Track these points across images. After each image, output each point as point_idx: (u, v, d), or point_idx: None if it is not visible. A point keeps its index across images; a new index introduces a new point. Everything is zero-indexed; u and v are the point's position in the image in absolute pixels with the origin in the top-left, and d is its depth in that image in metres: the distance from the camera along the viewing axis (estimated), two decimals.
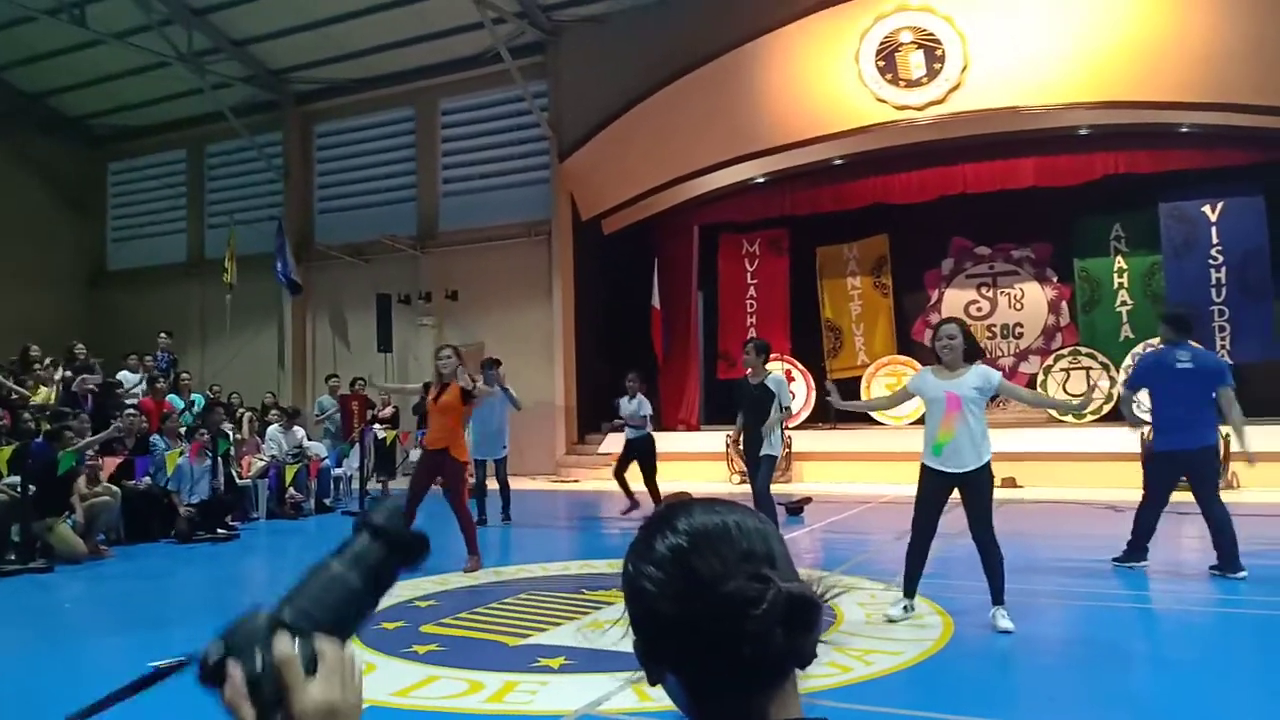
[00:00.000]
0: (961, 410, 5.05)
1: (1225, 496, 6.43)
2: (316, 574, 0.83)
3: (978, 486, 5.07)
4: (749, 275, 16.45)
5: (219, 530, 9.25)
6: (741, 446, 7.95)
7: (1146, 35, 12.23)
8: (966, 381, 5.11)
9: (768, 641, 0.86)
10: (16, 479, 8.03)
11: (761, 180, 15.27)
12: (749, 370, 7.72)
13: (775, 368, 14.98)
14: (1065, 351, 14.00)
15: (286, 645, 0.78)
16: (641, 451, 10.03)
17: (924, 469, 5.21)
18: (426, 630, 5.31)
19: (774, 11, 13.96)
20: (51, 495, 8.00)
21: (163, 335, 13.50)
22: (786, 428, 14.02)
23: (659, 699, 3.47)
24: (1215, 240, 13.16)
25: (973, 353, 5.22)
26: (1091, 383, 6.62)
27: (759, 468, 7.48)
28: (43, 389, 10.12)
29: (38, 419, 8.78)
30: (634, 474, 9.99)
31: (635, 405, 10.23)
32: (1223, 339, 12.98)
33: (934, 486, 5.17)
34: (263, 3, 16.16)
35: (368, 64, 17.24)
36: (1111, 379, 13.07)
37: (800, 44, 13.97)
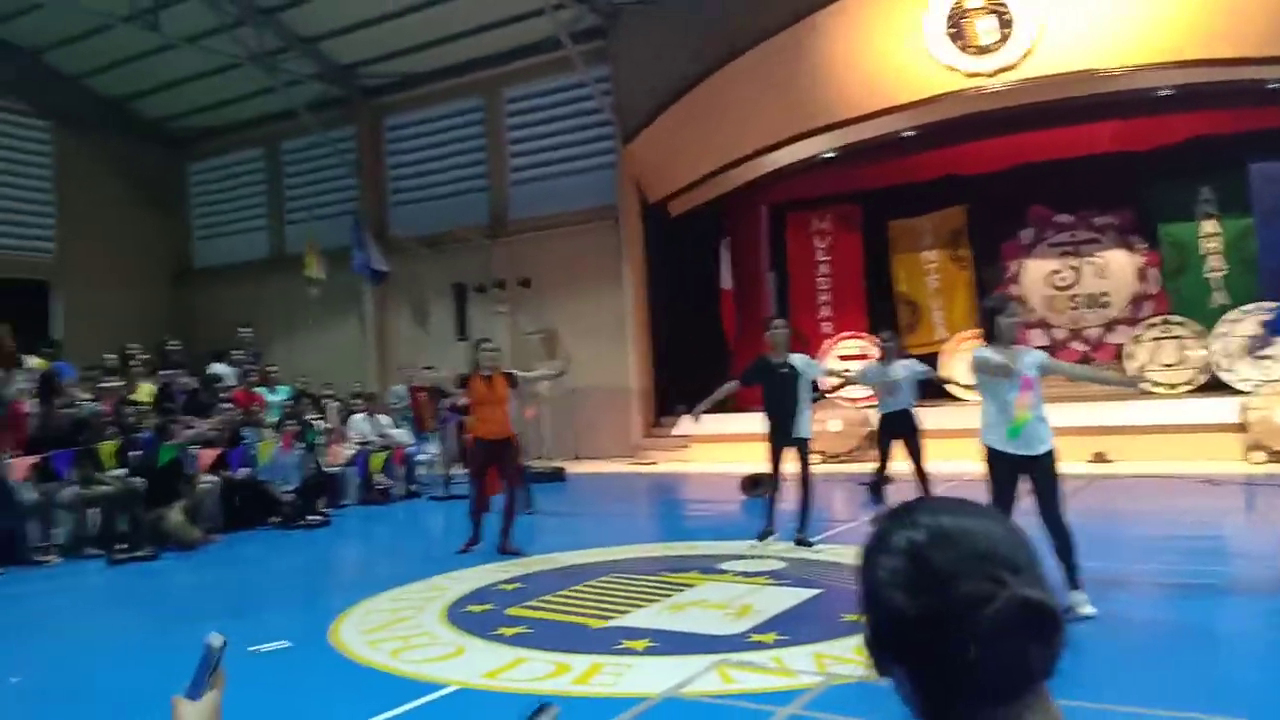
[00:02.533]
0: (1034, 390, 4.91)
1: None
2: None
3: (1049, 469, 4.91)
4: (820, 252, 16.27)
5: (311, 517, 9.59)
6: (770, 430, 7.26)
7: None
8: (1028, 361, 4.98)
9: (997, 645, 0.84)
10: (122, 470, 8.44)
11: (830, 155, 15.06)
12: (773, 349, 7.27)
13: (852, 346, 15.00)
14: (1155, 320, 13.55)
15: None
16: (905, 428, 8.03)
17: (994, 453, 4.95)
18: (512, 613, 5.44)
19: None
20: (158, 486, 8.39)
21: (243, 330, 13.86)
22: (859, 406, 13.95)
23: (741, 682, 3.49)
24: None
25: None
26: (1140, 368, 6.18)
27: (800, 452, 7.17)
28: (143, 385, 10.56)
29: (140, 415, 9.17)
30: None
31: (887, 369, 8.12)
32: None
33: (1007, 471, 4.90)
34: (325, 0, 16.47)
35: (433, 56, 17.46)
36: (1205, 348, 12.61)
37: (864, 14, 13.68)
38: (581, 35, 15.84)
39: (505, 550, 7.32)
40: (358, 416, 12.05)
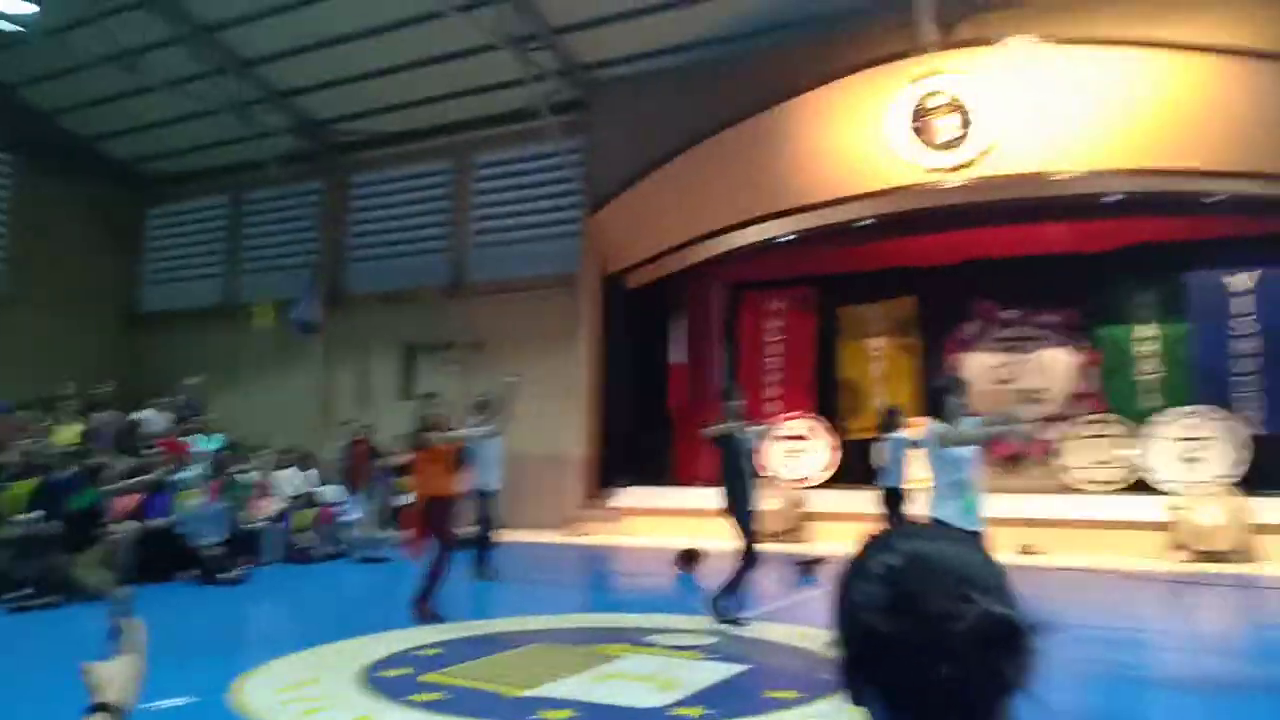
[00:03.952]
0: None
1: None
2: None
3: (985, 547, 4.98)
4: (772, 333, 16.44)
5: (229, 573, 9.25)
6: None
7: (1179, 102, 12.10)
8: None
9: (966, 661, 0.86)
10: (36, 513, 8.13)
11: (788, 239, 15.32)
12: (730, 420, 7.38)
13: (799, 426, 15.05)
14: (1089, 418, 13.79)
15: None
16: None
17: (945, 528, 4.99)
18: (428, 679, 5.27)
19: (808, 74, 14.07)
20: (72, 531, 8.07)
21: (192, 380, 13.59)
22: (797, 487, 13.99)
23: None
24: (1246, 310, 13.00)
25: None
26: (1013, 413, 6.33)
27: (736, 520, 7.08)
28: (71, 426, 10.26)
29: (60, 457, 8.87)
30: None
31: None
32: (1247, 410, 12.75)
33: None
34: (310, 55, 16.54)
35: (407, 117, 17.56)
36: (1134, 448, 12.83)
37: (833, 105, 14.03)
38: (558, 107, 16.06)
39: (426, 615, 7.09)
40: (285, 472, 11.71)
